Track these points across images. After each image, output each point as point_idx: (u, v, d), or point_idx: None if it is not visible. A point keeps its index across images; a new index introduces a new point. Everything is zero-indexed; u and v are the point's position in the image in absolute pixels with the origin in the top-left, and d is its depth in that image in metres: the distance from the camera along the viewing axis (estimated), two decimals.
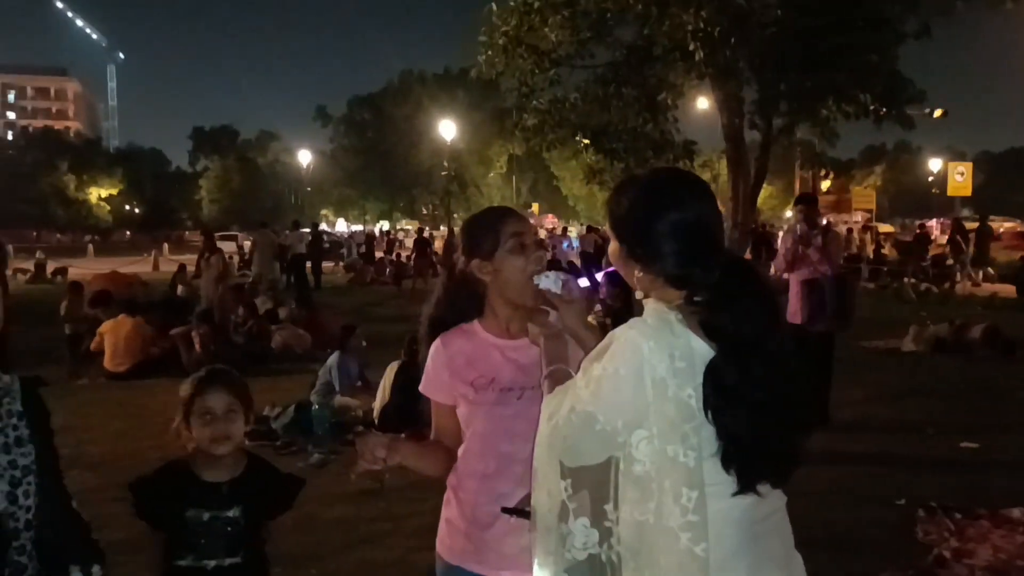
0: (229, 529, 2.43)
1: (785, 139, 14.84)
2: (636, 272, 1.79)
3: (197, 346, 9.77)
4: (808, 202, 7.88)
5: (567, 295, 2.06)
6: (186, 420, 2.50)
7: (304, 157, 57.76)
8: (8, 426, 1.94)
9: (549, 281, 2.06)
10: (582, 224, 43.45)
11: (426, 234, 26.10)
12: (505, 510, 2.07)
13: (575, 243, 27.21)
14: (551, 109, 14.03)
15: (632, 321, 1.73)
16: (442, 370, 2.19)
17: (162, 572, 2.46)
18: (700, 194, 1.81)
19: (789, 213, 27.88)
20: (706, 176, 51.98)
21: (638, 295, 1.82)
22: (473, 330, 2.22)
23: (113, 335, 9.82)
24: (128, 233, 65.13)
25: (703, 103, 19.60)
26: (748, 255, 16.16)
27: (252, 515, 2.48)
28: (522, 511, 1.99)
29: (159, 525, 2.46)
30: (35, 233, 56.75)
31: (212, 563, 2.42)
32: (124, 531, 5.16)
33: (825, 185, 36.92)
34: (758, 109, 13.97)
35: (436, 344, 2.21)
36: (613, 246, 1.84)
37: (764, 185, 15.94)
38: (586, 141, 13.97)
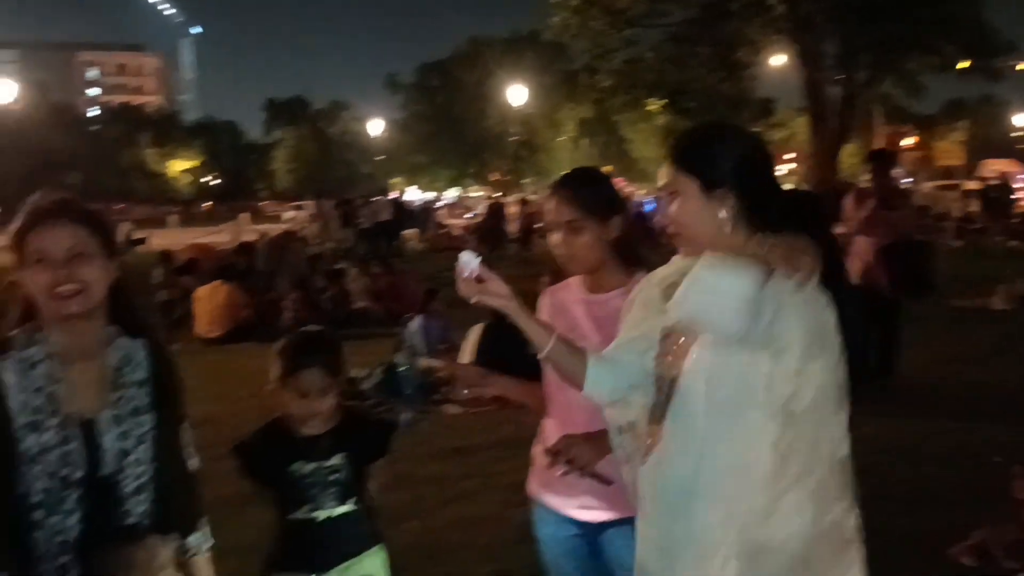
0: (333, 477, 2.50)
1: (867, 93, 14.40)
2: (720, 214, 1.86)
3: (287, 312, 10.09)
4: (882, 158, 7.55)
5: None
6: (280, 383, 2.53)
7: (375, 126, 58.23)
8: (126, 396, 1.98)
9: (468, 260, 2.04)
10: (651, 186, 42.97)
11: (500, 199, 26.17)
12: (548, 451, 2.22)
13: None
14: (625, 70, 13.86)
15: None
16: (540, 312, 2.47)
17: (278, 528, 2.55)
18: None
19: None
20: (782, 135, 50.85)
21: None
22: (569, 285, 2.44)
23: (207, 301, 10.20)
24: (207, 204, 66.81)
25: (779, 59, 19.15)
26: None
27: (354, 462, 2.54)
28: (556, 452, 2.17)
29: (268, 483, 2.54)
30: (120, 206, 58.67)
31: (323, 514, 2.49)
32: (229, 487, 5.37)
33: (907, 141, 35.76)
34: (839, 63, 13.57)
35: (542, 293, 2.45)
36: (694, 188, 1.87)
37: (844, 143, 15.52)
38: (662, 101, 13.78)
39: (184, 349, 9.96)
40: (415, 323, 8.05)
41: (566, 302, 2.48)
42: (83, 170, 59.00)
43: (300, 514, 2.49)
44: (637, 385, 2.02)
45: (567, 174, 2.54)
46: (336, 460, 2.51)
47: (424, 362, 7.78)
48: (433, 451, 5.90)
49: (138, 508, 1.98)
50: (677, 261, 2.01)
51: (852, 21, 12.59)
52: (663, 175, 1.95)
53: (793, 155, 51.79)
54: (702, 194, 1.87)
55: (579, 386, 2.04)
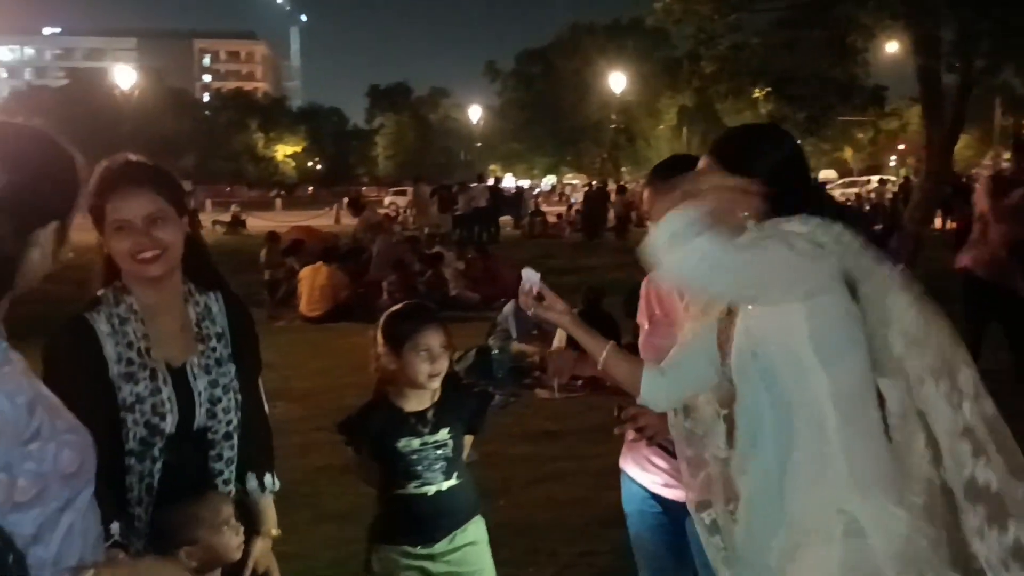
0: (440, 452, 2.54)
1: (985, 82, 13.72)
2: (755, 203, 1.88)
3: (385, 294, 10.31)
4: None
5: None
6: (394, 351, 2.53)
7: (474, 113, 58.65)
8: (208, 349, 2.08)
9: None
10: None
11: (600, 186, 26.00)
12: (619, 417, 2.33)
13: None
14: (729, 56, 13.58)
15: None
16: (641, 299, 2.54)
17: (386, 501, 2.59)
18: None
19: (988, 162, 25.92)
20: (893, 125, 48.90)
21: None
22: None
23: (310, 281, 10.52)
24: (311, 188, 68.57)
25: (892, 46, 18.43)
26: (940, 209, 15.21)
27: (457, 435, 2.58)
28: (628, 419, 2.28)
29: (375, 458, 2.58)
30: (228, 188, 60.73)
31: (433, 488, 2.53)
32: (326, 458, 5.64)
33: None
34: (956, 50, 12.98)
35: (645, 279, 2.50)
36: (744, 183, 1.88)
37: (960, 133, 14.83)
38: (767, 89, 13.45)
39: (288, 326, 10.34)
40: (509, 307, 8.12)
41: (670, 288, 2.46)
42: (196, 154, 61.41)
43: (410, 489, 2.53)
44: (698, 392, 2.09)
45: (664, 162, 2.53)
46: (442, 435, 2.54)
47: (516, 346, 7.84)
48: (524, 432, 5.96)
49: (227, 453, 2.10)
50: None
51: (971, 6, 12.00)
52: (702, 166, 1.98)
53: (903, 146, 49.85)
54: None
55: (637, 395, 2.12)
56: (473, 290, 11.67)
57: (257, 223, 23.50)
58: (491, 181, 25.78)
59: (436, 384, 2.56)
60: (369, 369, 2.65)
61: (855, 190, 30.94)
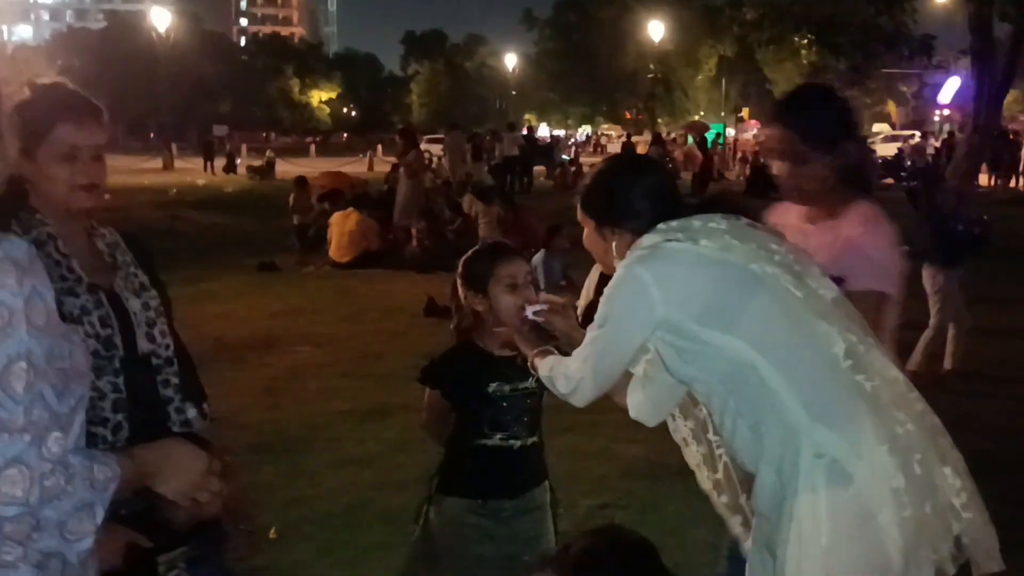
0: (529, 401, 2.43)
1: None
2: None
3: (414, 241, 10.26)
4: None
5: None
6: (480, 291, 2.41)
7: (509, 61, 57.90)
8: (130, 274, 2.06)
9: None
10: None
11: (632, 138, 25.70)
12: None
13: None
14: (772, 2, 13.17)
15: None
16: None
17: (462, 451, 2.47)
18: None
19: None
20: (940, 79, 47.46)
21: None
22: (790, 210, 2.42)
23: (339, 227, 10.51)
24: (345, 135, 68.45)
25: None
26: (985, 163, 14.76)
27: (542, 386, 2.38)
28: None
29: (461, 403, 2.46)
30: (264, 134, 60.81)
31: (518, 443, 2.43)
32: (349, 403, 5.66)
33: None
34: None
35: None
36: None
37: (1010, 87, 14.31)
38: (809, 36, 13.03)
39: (316, 272, 10.36)
40: (536, 258, 8.04)
41: (785, 228, 2.27)
42: (232, 99, 61.42)
43: (496, 439, 2.42)
44: (676, 400, 2.09)
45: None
46: (531, 382, 2.39)
47: (544, 297, 7.73)
48: None
49: (173, 380, 2.06)
50: None
51: None
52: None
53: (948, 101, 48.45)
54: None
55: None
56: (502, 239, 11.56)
57: (290, 169, 23.51)
58: (524, 131, 25.47)
59: (523, 320, 2.38)
60: (450, 327, 2.55)
61: (897, 144, 30.19)
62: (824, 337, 1.78)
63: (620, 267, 1.89)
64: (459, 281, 2.48)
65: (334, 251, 10.52)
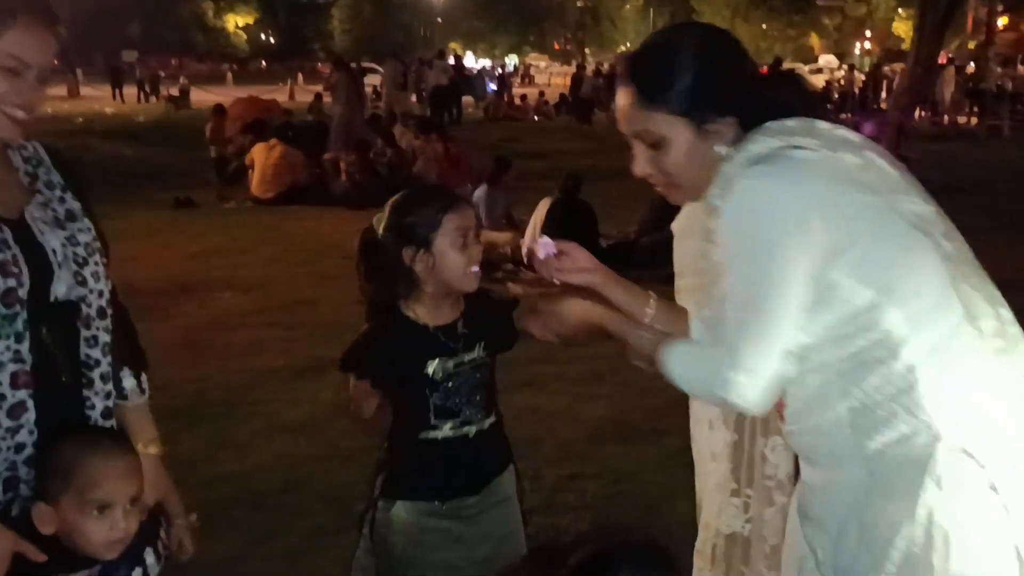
0: (479, 375, 1.98)
1: None
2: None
3: (343, 175, 9.62)
4: None
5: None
6: (422, 246, 1.92)
7: None
8: (53, 199, 1.62)
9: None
10: None
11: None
12: None
13: None
14: None
15: None
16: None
17: (405, 448, 2.01)
18: None
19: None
20: (861, 11, 47.87)
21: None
22: None
23: (262, 160, 9.81)
24: (264, 63, 65.87)
25: None
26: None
27: (491, 355, 2.01)
28: None
29: (396, 390, 1.99)
30: (176, 61, 58.03)
31: (474, 428, 1.98)
32: (279, 358, 5.12)
33: (1002, 22, 33.31)
34: None
35: None
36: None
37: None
38: None
39: (237, 208, 9.66)
40: (478, 193, 7.54)
41: None
42: (141, 21, 58.23)
43: (446, 430, 1.96)
44: None
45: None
46: (478, 352, 1.98)
47: (486, 235, 7.28)
48: None
49: (103, 337, 1.63)
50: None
51: None
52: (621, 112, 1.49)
53: (868, 33, 48.87)
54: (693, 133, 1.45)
55: None
56: (434, 173, 11.01)
57: (206, 98, 22.24)
58: (451, 60, 24.61)
59: (475, 281, 1.95)
60: (359, 290, 2.03)
61: (824, 77, 30.21)
62: (975, 308, 1.35)
63: (739, 179, 1.36)
64: (387, 233, 1.96)
65: (256, 186, 9.81)
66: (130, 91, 28.89)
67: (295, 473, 3.58)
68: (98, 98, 27.94)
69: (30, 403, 1.51)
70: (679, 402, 4.34)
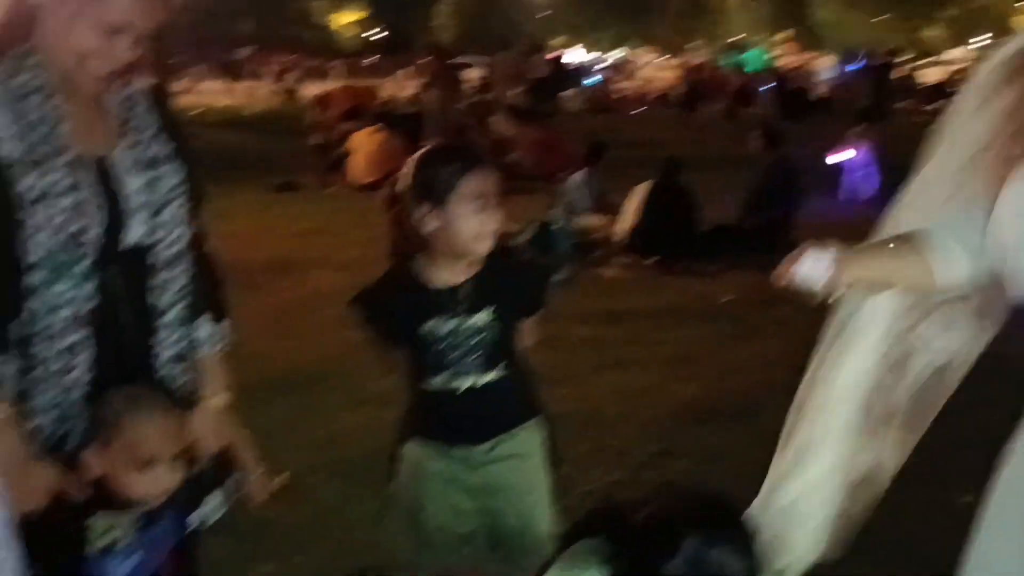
0: (477, 339, 1.98)
1: None
2: None
3: None
4: None
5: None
6: (436, 204, 1.92)
7: None
8: (143, 141, 1.59)
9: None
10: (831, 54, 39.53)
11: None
12: None
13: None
14: None
15: None
16: None
17: (413, 396, 2.08)
18: None
19: None
20: (980, 2, 45.46)
21: None
22: None
23: (363, 147, 9.96)
24: (371, 58, 67.42)
25: None
26: None
27: (503, 318, 2.00)
28: None
29: (397, 342, 2.06)
30: (287, 57, 59.97)
31: (466, 383, 1.99)
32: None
33: None
34: None
35: None
36: None
37: None
38: None
39: (336, 193, 9.84)
40: (578, 176, 7.48)
41: None
42: (255, 18, 60.30)
43: (437, 383, 1.99)
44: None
45: None
46: (481, 317, 1.98)
47: (582, 219, 7.25)
48: (587, 314, 5.39)
49: (173, 285, 1.61)
50: None
51: None
52: None
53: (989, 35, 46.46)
54: None
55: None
56: (529, 160, 10.98)
57: (314, 91, 22.94)
58: (553, 54, 24.66)
59: (485, 247, 1.95)
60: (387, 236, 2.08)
61: (945, 69, 28.80)
62: None
63: None
64: (408, 188, 1.95)
65: (355, 172, 9.98)
66: (243, 85, 29.93)
67: (378, 442, 3.52)
68: (213, 91, 29.04)
69: (89, 344, 1.52)
70: (772, 384, 4.24)
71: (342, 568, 2.67)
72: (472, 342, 1.97)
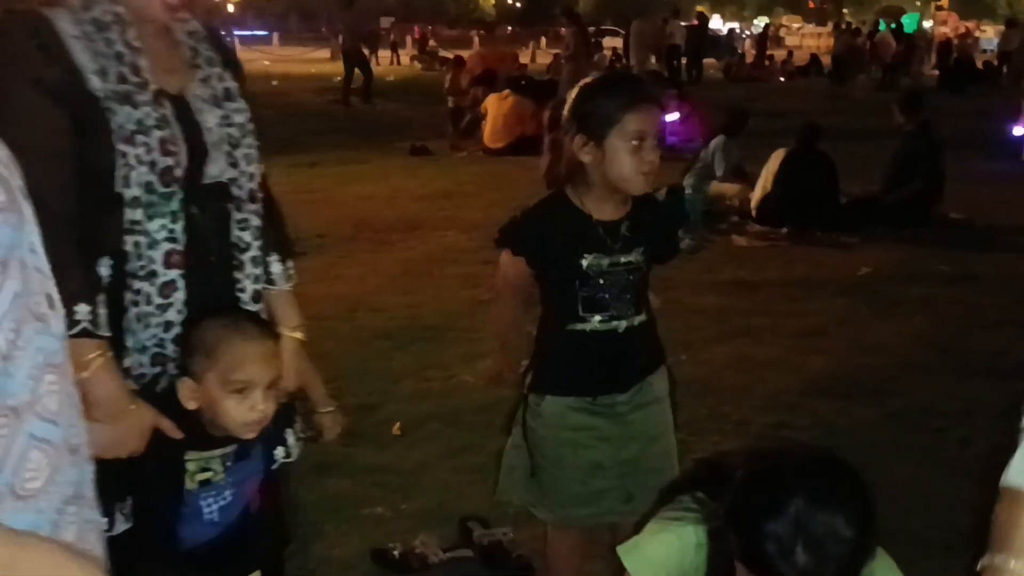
0: (632, 277, 1.93)
1: None
2: None
3: None
4: None
5: None
6: (594, 137, 1.85)
7: None
8: (213, 76, 1.57)
9: None
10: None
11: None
12: None
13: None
14: None
15: None
16: None
17: (556, 339, 1.97)
18: None
19: None
20: None
21: None
22: None
23: (495, 110, 9.97)
24: (509, 28, 67.47)
25: None
26: None
27: (647, 261, 1.96)
28: None
29: (548, 277, 1.96)
30: (428, 27, 60.82)
31: (624, 323, 1.92)
32: (491, 292, 5.18)
33: None
34: None
35: None
36: None
37: None
38: None
39: (468, 157, 9.91)
40: (716, 142, 7.22)
41: None
42: None
43: (595, 323, 1.91)
44: None
45: None
46: (636, 256, 1.92)
47: (716, 186, 7.02)
48: (713, 282, 5.23)
49: (254, 220, 1.61)
50: None
51: None
52: None
53: None
54: None
55: None
56: (669, 131, 10.71)
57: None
58: (696, 21, 23.98)
59: (640, 186, 1.89)
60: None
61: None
62: None
63: None
64: (569, 115, 1.89)
65: (488, 136, 10.00)
66: (384, 54, 30.51)
67: (492, 396, 3.56)
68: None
69: (181, 283, 1.52)
70: (908, 363, 3.99)
71: (446, 515, 2.71)
72: (626, 280, 1.92)
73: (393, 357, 4.05)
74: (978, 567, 1.13)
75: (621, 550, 1.48)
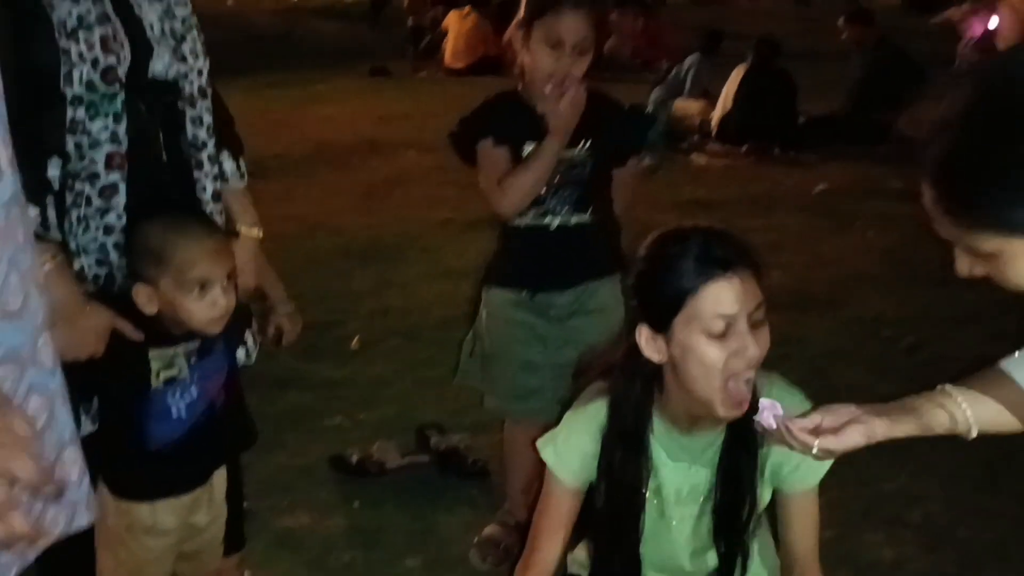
0: (574, 173, 1.96)
1: None
2: None
3: None
4: None
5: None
6: (525, 33, 1.93)
7: None
8: None
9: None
10: None
11: None
12: None
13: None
14: None
15: None
16: None
17: (501, 236, 2.08)
18: None
19: None
20: None
21: None
22: None
23: (456, 28, 9.78)
24: None
25: None
26: None
27: (599, 156, 1.98)
28: None
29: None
30: None
31: (556, 220, 1.97)
32: (451, 212, 5.14)
33: None
34: None
35: None
36: None
37: None
38: None
39: (429, 78, 9.76)
40: (691, 59, 7.18)
41: None
42: None
43: (528, 218, 1.97)
44: None
45: None
46: (580, 150, 1.95)
47: (680, 104, 6.98)
48: (674, 201, 5.25)
49: (206, 118, 1.59)
50: None
51: None
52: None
53: None
54: None
55: None
56: (628, 48, 10.59)
57: None
58: None
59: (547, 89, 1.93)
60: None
61: None
62: None
63: None
64: (520, 14, 1.96)
65: (449, 56, 9.83)
66: None
67: (453, 312, 3.61)
68: None
69: (122, 187, 1.50)
70: (863, 275, 4.07)
71: (405, 425, 2.75)
72: (569, 174, 1.95)
73: (353, 276, 4.05)
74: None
75: (539, 443, 1.48)
